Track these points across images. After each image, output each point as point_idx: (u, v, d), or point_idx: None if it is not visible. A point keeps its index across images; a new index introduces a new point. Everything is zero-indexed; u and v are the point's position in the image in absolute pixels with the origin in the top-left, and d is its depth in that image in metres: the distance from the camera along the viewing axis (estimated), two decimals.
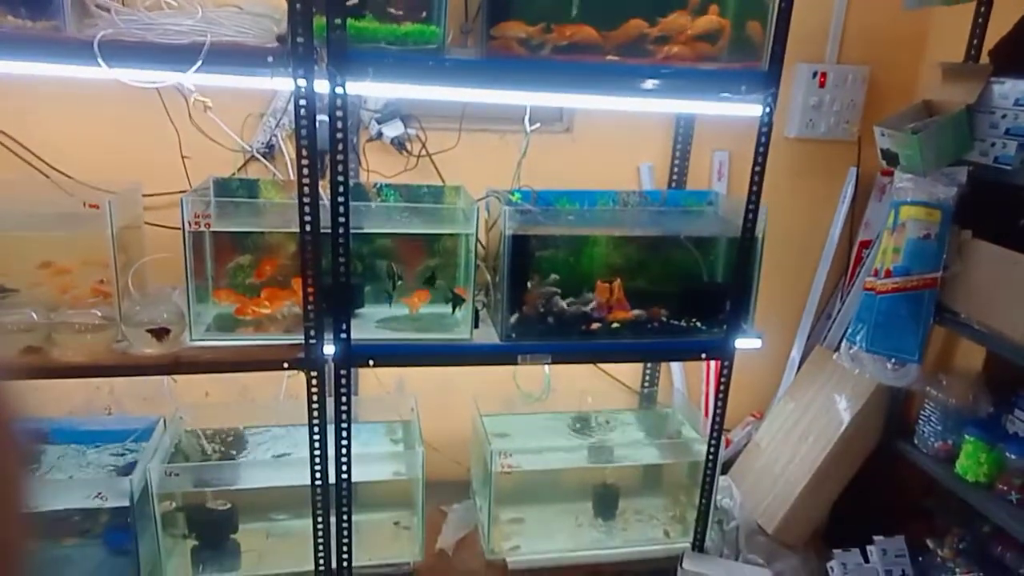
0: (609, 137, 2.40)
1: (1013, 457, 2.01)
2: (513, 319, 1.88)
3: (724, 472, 2.57)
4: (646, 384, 2.60)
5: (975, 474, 2.07)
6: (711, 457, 2.10)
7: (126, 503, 1.86)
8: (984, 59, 2.07)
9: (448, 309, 1.95)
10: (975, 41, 2.09)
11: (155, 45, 1.54)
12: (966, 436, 2.10)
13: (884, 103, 2.52)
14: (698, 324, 1.99)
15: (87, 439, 2.15)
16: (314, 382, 1.82)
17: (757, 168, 1.83)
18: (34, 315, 1.73)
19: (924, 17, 2.51)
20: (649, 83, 1.76)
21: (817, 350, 2.63)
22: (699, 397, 2.72)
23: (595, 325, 1.92)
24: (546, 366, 2.11)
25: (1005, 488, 2.01)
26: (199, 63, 1.53)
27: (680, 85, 1.79)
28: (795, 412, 2.54)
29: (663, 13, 1.75)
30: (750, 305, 2.00)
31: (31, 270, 1.81)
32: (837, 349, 2.34)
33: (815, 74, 2.45)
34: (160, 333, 1.75)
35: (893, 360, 2.14)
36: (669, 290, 1.99)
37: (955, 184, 1.99)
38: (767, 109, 1.78)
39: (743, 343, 1.99)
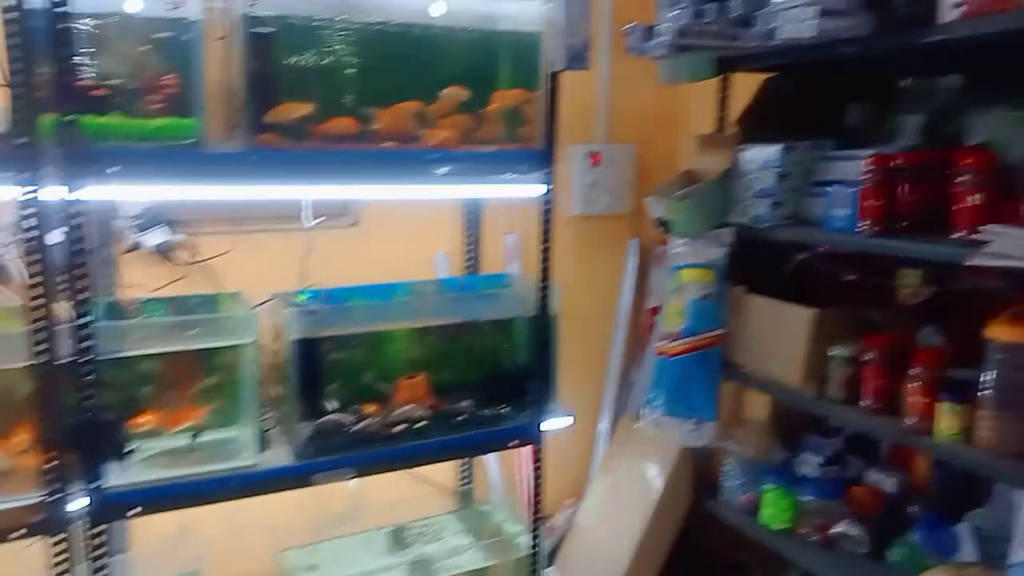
0: (399, 228, 2.33)
1: (807, 499, 2.09)
2: (306, 433, 1.70)
3: (552, 562, 2.49)
4: (463, 482, 2.48)
5: (778, 522, 2.13)
6: (534, 550, 2.01)
7: None
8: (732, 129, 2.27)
9: (232, 433, 1.73)
10: (722, 113, 2.29)
11: None
12: (765, 485, 2.18)
13: (652, 176, 2.70)
14: (504, 411, 1.93)
15: None
16: (61, 548, 1.50)
17: (545, 246, 1.85)
18: None
19: (680, 95, 2.73)
20: (430, 169, 1.73)
21: (624, 420, 2.68)
22: (519, 487, 2.64)
23: (398, 428, 1.79)
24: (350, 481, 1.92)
25: (805, 531, 2.08)
26: None
27: (461, 169, 1.77)
28: (611, 487, 2.54)
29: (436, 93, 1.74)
30: (553, 385, 1.97)
31: None
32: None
33: (588, 154, 2.58)
34: None
35: (692, 420, 2.20)
36: (474, 379, 1.92)
37: (723, 244, 2.12)
38: (547, 187, 1.81)
39: (551, 423, 1.95)
